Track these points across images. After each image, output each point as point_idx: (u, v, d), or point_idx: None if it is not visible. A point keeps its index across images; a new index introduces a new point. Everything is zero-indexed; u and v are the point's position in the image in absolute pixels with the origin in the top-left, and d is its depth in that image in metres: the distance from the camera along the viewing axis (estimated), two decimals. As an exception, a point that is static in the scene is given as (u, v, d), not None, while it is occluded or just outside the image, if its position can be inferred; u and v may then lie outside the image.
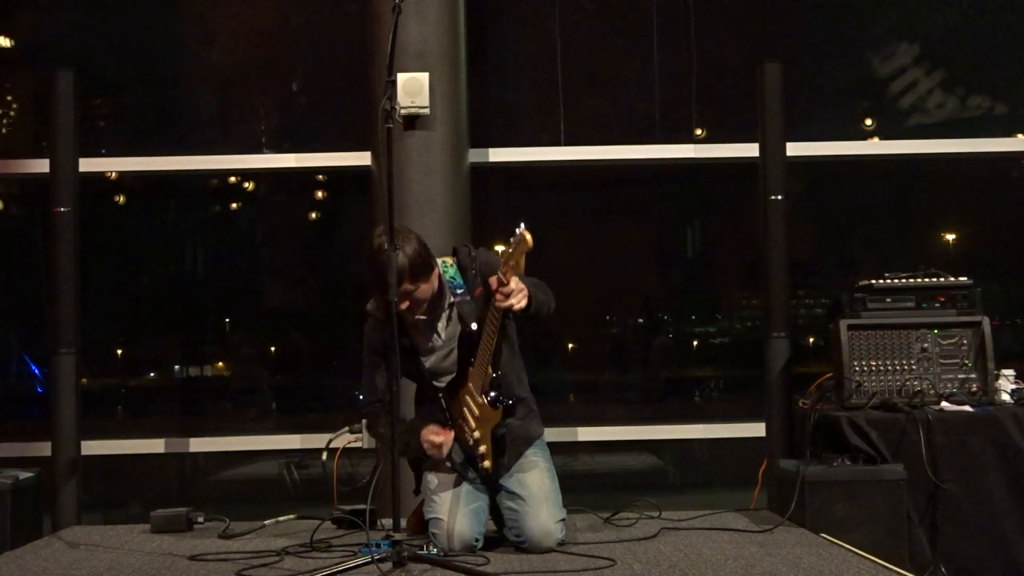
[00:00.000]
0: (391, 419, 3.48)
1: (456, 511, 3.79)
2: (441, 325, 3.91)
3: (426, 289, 3.78)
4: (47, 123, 4.92)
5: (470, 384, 3.82)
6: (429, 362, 3.92)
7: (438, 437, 3.83)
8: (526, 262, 3.48)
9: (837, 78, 6.02)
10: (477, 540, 3.78)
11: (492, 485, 3.88)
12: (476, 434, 3.81)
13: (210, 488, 5.73)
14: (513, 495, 3.83)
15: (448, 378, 3.91)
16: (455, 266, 3.91)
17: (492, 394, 3.74)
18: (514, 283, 3.52)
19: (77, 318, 4.81)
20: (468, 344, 3.80)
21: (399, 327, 3.70)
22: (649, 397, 5.97)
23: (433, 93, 5.10)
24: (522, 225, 3.38)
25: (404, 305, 3.72)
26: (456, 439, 3.90)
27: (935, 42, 5.96)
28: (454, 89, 5.23)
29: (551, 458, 3.98)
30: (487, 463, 3.79)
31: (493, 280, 3.60)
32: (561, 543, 3.81)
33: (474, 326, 3.77)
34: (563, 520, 3.86)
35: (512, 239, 3.45)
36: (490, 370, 3.74)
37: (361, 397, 3.99)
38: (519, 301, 3.54)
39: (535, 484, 3.83)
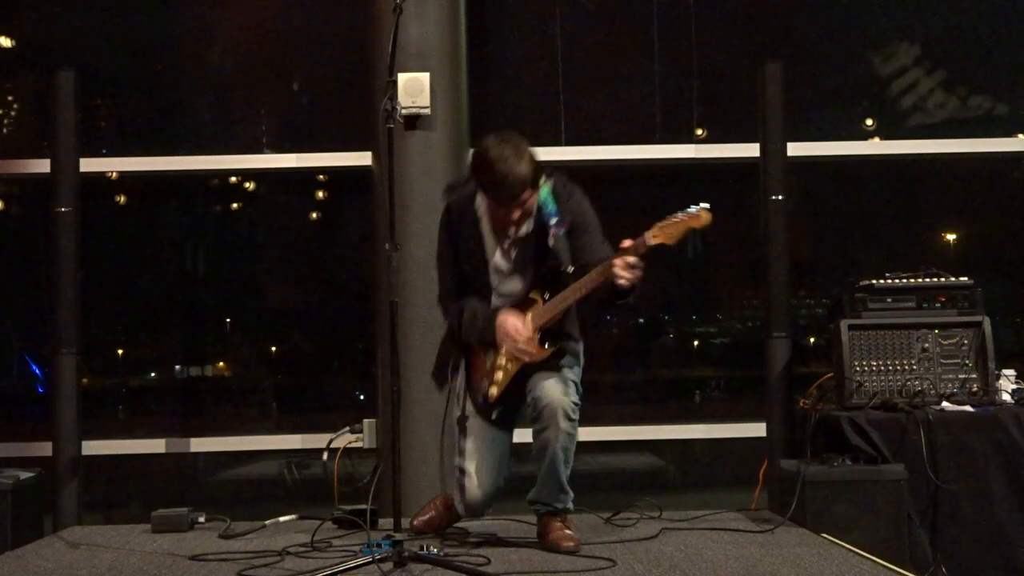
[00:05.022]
0: (393, 423, 3.48)
1: (479, 461, 3.83)
2: (505, 243, 3.84)
3: (534, 199, 3.75)
4: (48, 123, 4.92)
5: (529, 315, 3.78)
6: (494, 267, 3.88)
7: (521, 329, 3.75)
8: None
9: (837, 78, 6.02)
10: (498, 490, 3.85)
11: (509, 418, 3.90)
12: (502, 361, 3.81)
13: (211, 488, 5.73)
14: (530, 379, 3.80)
15: (505, 296, 3.86)
16: (549, 189, 3.81)
17: (549, 340, 3.75)
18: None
19: (78, 318, 4.82)
20: (550, 280, 3.77)
21: (474, 227, 3.76)
22: (649, 397, 5.98)
23: (434, 93, 5.10)
24: (707, 205, 3.46)
25: (517, 214, 3.71)
26: (475, 360, 3.90)
27: (936, 42, 5.96)
28: (455, 89, 5.23)
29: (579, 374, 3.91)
30: (494, 390, 3.81)
31: (628, 242, 3.57)
32: (577, 405, 3.76)
33: (570, 269, 3.74)
34: (576, 384, 3.79)
35: (687, 211, 3.49)
36: (556, 316, 3.74)
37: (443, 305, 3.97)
38: (632, 279, 3.54)
39: (549, 379, 3.78)
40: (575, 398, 3.78)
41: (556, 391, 3.73)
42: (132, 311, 5.97)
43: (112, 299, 5.86)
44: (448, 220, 3.92)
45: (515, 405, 3.90)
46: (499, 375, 3.84)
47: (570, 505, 3.91)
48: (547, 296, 3.77)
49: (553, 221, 3.76)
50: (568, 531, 3.81)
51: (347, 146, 5.62)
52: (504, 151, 3.62)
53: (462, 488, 3.86)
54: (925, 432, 4.34)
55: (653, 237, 3.54)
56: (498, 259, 3.86)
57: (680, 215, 3.53)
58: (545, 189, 3.79)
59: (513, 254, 3.85)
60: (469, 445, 3.87)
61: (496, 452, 3.88)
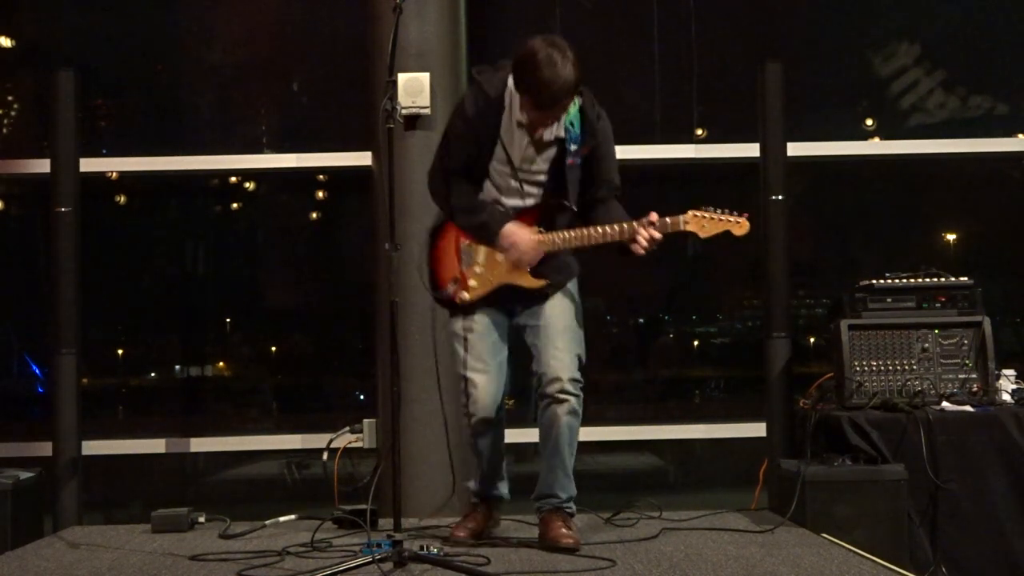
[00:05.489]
0: (393, 423, 3.48)
1: (484, 369, 3.86)
2: (524, 143, 3.79)
3: (568, 107, 3.70)
4: (48, 123, 4.93)
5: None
6: (503, 158, 3.83)
7: (526, 253, 3.77)
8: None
9: (837, 78, 6.02)
10: (503, 395, 3.90)
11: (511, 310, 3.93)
12: (480, 269, 3.84)
13: (211, 488, 5.73)
14: (531, 328, 3.85)
15: (503, 190, 3.86)
16: (579, 108, 3.77)
17: (545, 271, 3.79)
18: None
19: (78, 318, 4.82)
20: (552, 211, 3.80)
21: (496, 115, 3.72)
22: (649, 397, 5.98)
23: (434, 93, 5.10)
24: (747, 216, 3.62)
25: (550, 120, 3.69)
26: (442, 251, 3.91)
27: (936, 42, 5.96)
28: (455, 89, 5.22)
29: (577, 296, 3.94)
30: (465, 295, 3.85)
31: (653, 215, 3.65)
32: (579, 382, 3.80)
33: (575, 207, 3.77)
34: (580, 356, 3.83)
35: (731, 213, 3.62)
36: (555, 251, 3.78)
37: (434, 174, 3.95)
38: (647, 251, 3.64)
39: (555, 313, 3.83)
40: (578, 374, 3.81)
41: (560, 365, 3.77)
42: (132, 311, 5.97)
43: (112, 299, 5.86)
44: (473, 99, 3.82)
45: (504, 315, 3.92)
46: (474, 282, 3.86)
47: (573, 507, 3.92)
48: (542, 228, 3.79)
49: (573, 148, 3.75)
50: (568, 530, 3.82)
51: (347, 146, 5.62)
52: (553, 55, 3.54)
53: (469, 396, 3.89)
54: (925, 432, 4.34)
55: (685, 223, 3.65)
56: (511, 153, 3.81)
57: (723, 214, 3.66)
58: (575, 106, 3.75)
59: (526, 153, 3.80)
60: (471, 358, 3.89)
61: (497, 360, 3.90)
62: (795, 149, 5.10)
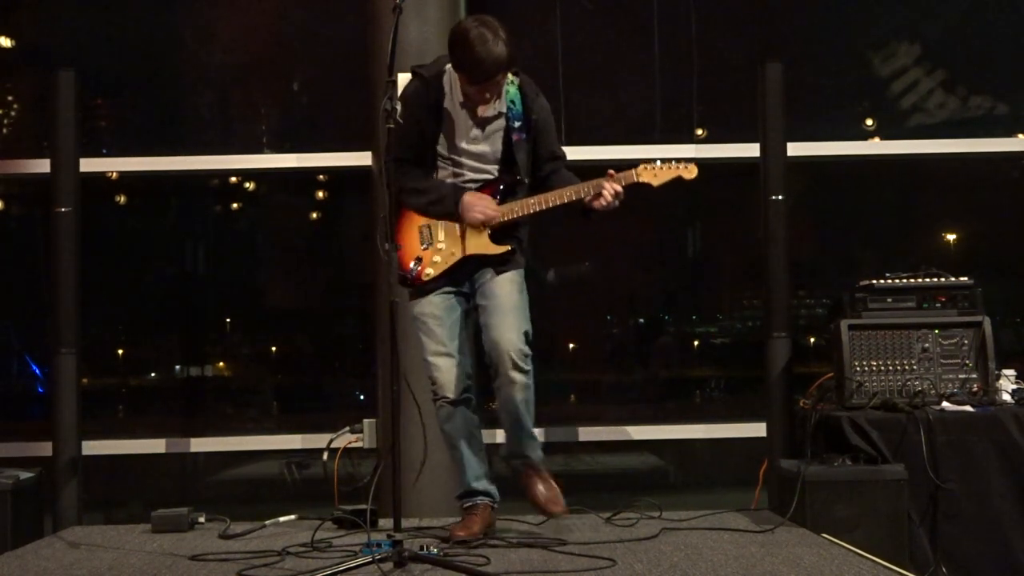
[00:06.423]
0: (393, 423, 3.48)
1: (446, 354, 3.94)
2: (469, 123, 3.92)
3: (504, 81, 3.85)
4: (48, 123, 4.92)
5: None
6: (450, 142, 3.96)
7: (489, 209, 3.88)
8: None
9: (837, 78, 6.02)
10: (468, 374, 3.98)
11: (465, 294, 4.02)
12: (442, 245, 3.91)
13: (211, 488, 5.73)
14: (481, 307, 3.94)
15: (458, 166, 3.96)
16: (517, 87, 3.95)
17: (506, 240, 3.90)
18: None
19: (78, 318, 4.82)
20: (511, 189, 3.92)
21: (439, 101, 3.86)
22: (649, 397, 5.98)
23: (433, 93, 5.09)
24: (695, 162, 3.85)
25: (488, 94, 3.83)
26: (405, 235, 3.98)
27: (936, 42, 5.97)
28: (455, 89, 5.22)
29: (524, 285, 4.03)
30: (430, 271, 3.93)
31: (611, 171, 3.84)
32: (527, 355, 3.87)
33: (526, 180, 3.92)
34: (527, 332, 3.91)
35: (678, 163, 3.85)
36: (513, 218, 3.90)
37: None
38: (610, 205, 3.80)
39: (503, 292, 3.92)
40: (527, 348, 3.89)
41: (508, 341, 3.85)
42: (132, 311, 5.97)
43: (112, 299, 5.86)
44: (415, 90, 3.95)
45: (462, 298, 4.01)
46: (437, 258, 3.94)
47: (540, 452, 4.01)
48: (497, 198, 3.90)
49: (516, 125, 3.92)
50: (552, 492, 3.93)
51: (347, 146, 5.62)
52: (484, 32, 3.71)
53: (435, 381, 3.97)
54: (925, 432, 4.34)
55: (638, 175, 3.87)
56: (456, 132, 3.93)
57: (672, 163, 3.88)
58: (514, 85, 3.93)
59: (472, 133, 3.94)
60: (432, 342, 3.97)
61: (456, 342, 3.98)
62: (795, 149, 5.10)
